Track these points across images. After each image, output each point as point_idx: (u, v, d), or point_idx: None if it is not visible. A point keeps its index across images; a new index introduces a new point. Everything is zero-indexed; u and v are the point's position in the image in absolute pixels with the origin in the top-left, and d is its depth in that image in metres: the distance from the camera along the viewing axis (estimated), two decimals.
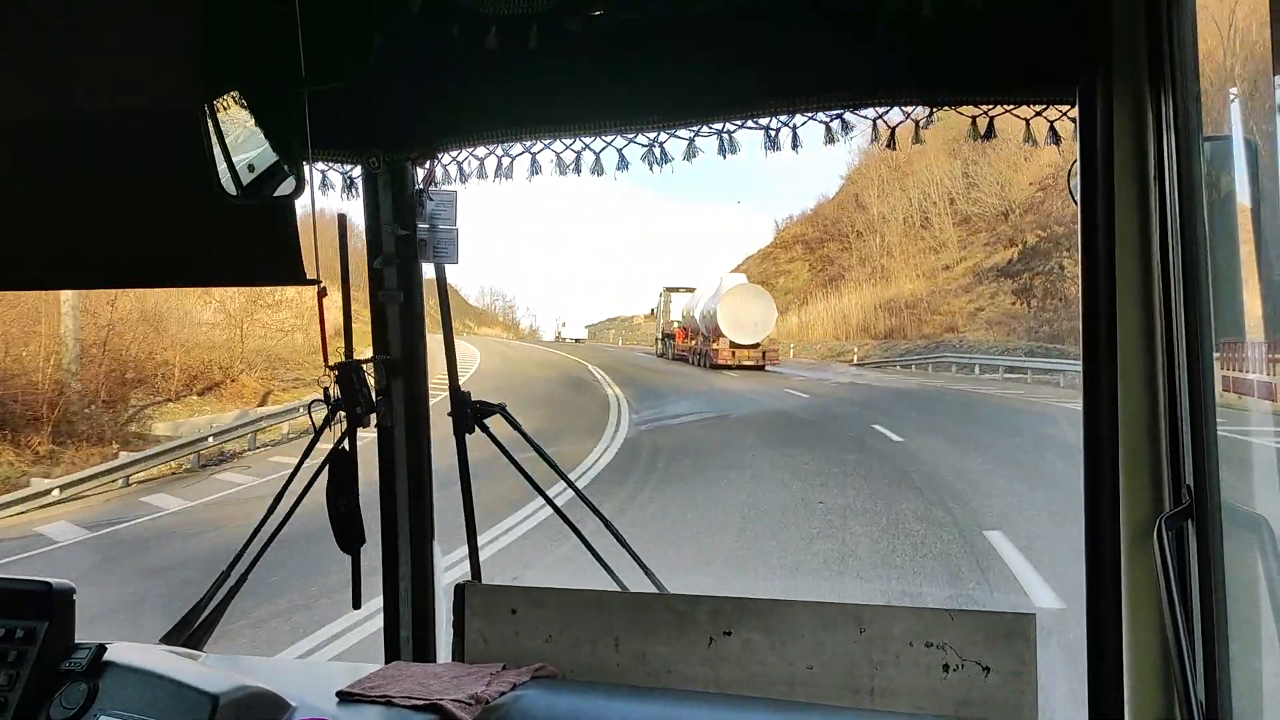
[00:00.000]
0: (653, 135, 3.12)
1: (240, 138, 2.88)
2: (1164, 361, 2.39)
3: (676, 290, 69.32)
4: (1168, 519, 2.26)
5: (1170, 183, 2.29)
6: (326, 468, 3.33)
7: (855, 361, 66.17)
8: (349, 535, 3.36)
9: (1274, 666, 2.27)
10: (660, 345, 73.29)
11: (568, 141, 3.25)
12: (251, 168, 2.93)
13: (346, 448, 3.33)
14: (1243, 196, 2.39)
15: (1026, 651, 2.58)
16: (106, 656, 2.63)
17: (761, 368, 55.65)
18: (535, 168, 3.33)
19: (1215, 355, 2.27)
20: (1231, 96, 2.52)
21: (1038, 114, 2.78)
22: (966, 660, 2.61)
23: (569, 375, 50.05)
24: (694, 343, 61.88)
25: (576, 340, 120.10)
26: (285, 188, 2.90)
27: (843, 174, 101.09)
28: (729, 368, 54.90)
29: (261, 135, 2.93)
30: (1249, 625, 2.28)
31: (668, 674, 2.83)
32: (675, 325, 66.94)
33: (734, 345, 55.15)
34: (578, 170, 3.29)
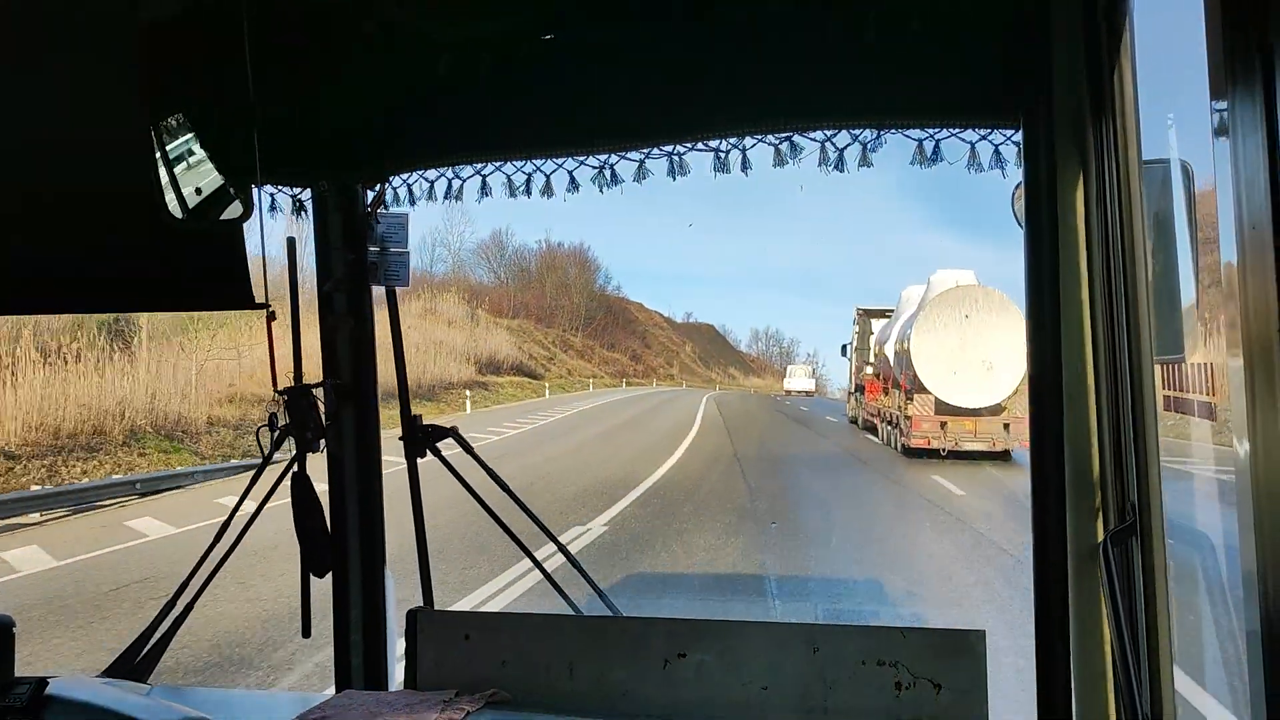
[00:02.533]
0: (603, 157, 3.13)
1: (187, 161, 2.86)
2: (1107, 381, 2.43)
3: (875, 314, 46.04)
4: (1113, 536, 2.30)
5: (1111, 205, 2.34)
6: (285, 493, 3.28)
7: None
8: (320, 558, 3.32)
9: (1217, 682, 2.32)
10: (852, 404, 49.17)
11: (519, 164, 3.26)
12: (199, 191, 2.91)
13: (296, 470, 3.28)
14: (1180, 219, 2.45)
15: (977, 668, 2.61)
16: (48, 691, 2.56)
17: (1006, 455, 29.79)
18: (485, 190, 3.33)
19: (1155, 375, 2.32)
20: (1169, 121, 2.58)
21: (983, 138, 2.83)
22: (918, 678, 2.63)
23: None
24: (886, 401, 36.73)
25: (805, 393, 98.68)
26: (233, 211, 2.87)
27: None
28: (935, 455, 30.04)
29: (208, 158, 2.90)
30: (1192, 639, 2.33)
31: (623, 698, 2.81)
32: (868, 371, 42.80)
33: (944, 410, 30.12)
34: (528, 192, 3.30)
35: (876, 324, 44.17)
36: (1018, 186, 2.76)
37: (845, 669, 2.67)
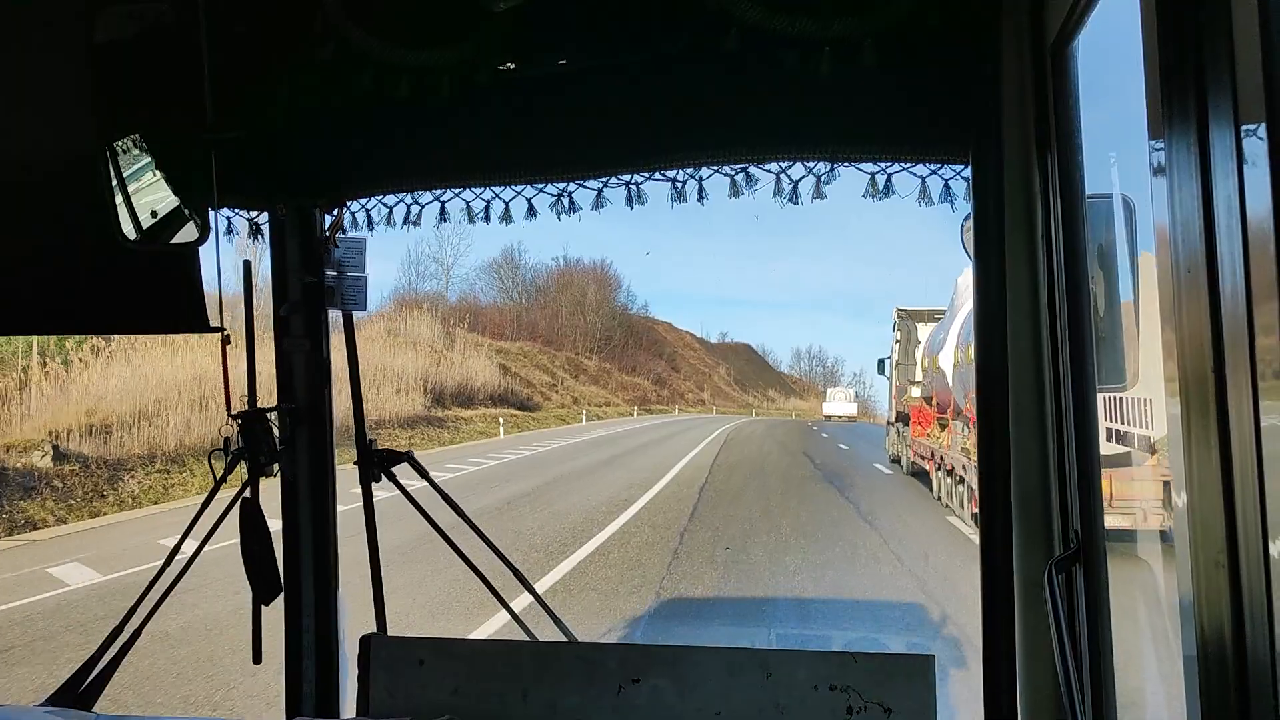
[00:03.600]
0: (561, 185, 3.16)
1: (143, 183, 2.84)
2: (1053, 412, 2.49)
3: (921, 316, 34.43)
4: (1057, 563, 2.35)
5: (1057, 239, 2.41)
6: (236, 519, 3.25)
7: None
8: (266, 584, 3.28)
9: (1158, 702, 2.38)
10: (892, 437, 37.38)
11: (477, 190, 3.28)
12: (154, 213, 2.89)
13: (250, 495, 3.26)
14: (1122, 253, 2.52)
15: (926, 692, 2.65)
16: None
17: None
18: (444, 216, 3.35)
19: (1099, 404, 2.38)
20: (1112, 159, 2.66)
21: (933, 172, 2.90)
22: (869, 702, 2.66)
23: None
24: (943, 438, 26.38)
25: (846, 418, 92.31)
26: (189, 234, 2.86)
27: None
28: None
29: (164, 181, 2.89)
30: (1133, 661, 2.39)
31: None
32: (914, 393, 31.77)
33: None
34: (486, 219, 3.32)
35: (924, 330, 32.63)
36: (966, 219, 2.83)
37: (797, 694, 2.70)
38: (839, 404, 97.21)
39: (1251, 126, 1.23)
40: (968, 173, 2.81)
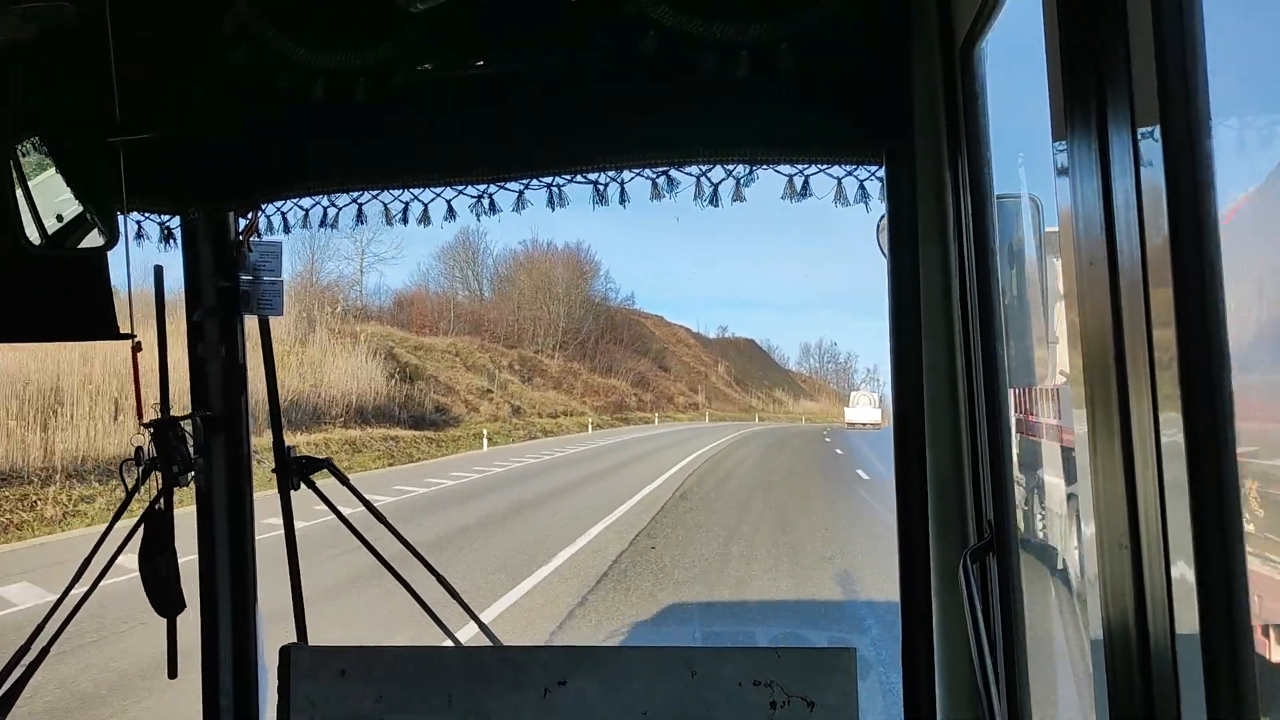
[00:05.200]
0: (482, 187, 3.15)
1: (48, 188, 2.76)
2: (966, 406, 2.56)
3: None
4: (972, 552, 2.41)
5: (968, 238, 2.47)
6: (140, 530, 3.17)
7: None
8: (168, 599, 3.20)
9: (1068, 684, 2.45)
10: None
11: (396, 192, 3.25)
12: (60, 218, 2.81)
13: (162, 507, 3.18)
14: (1030, 251, 2.60)
15: (848, 685, 2.70)
16: None
17: None
18: (362, 218, 3.31)
19: (1009, 398, 2.45)
20: (1020, 159, 2.75)
21: (849, 174, 2.95)
22: (792, 697, 2.70)
23: None
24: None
25: (872, 425, 79.96)
26: (97, 239, 2.78)
27: None
28: None
29: (70, 185, 2.81)
30: (1045, 647, 2.46)
31: None
32: None
33: None
34: (404, 221, 3.29)
35: None
36: (881, 219, 2.89)
37: (722, 691, 2.73)
38: (863, 410, 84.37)
39: (1148, 129, 1.29)
40: (882, 173, 2.88)
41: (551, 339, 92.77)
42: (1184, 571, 1.23)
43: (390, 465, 40.12)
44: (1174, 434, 1.25)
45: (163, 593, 3.18)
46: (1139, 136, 1.31)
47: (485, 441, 52.11)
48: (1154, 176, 1.26)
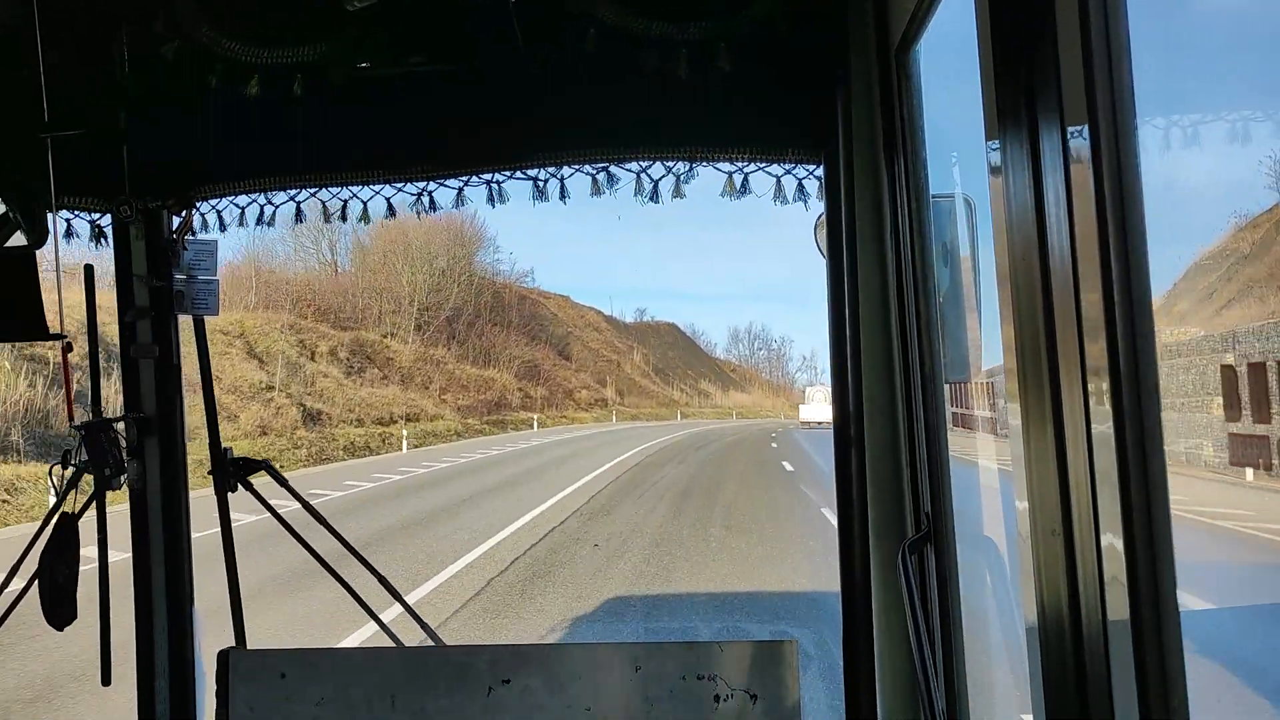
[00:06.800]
0: (421, 184, 3.14)
1: None
2: (903, 400, 2.61)
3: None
4: (910, 544, 2.46)
5: (904, 237, 2.52)
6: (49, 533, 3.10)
7: None
8: (61, 610, 3.13)
9: (1003, 672, 2.52)
10: None
11: (334, 190, 3.22)
12: None
13: (78, 510, 3.12)
14: (964, 248, 2.66)
15: (790, 676, 2.74)
16: None
17: None
18: (300, 216, 3.27)
19: (946, 393, 2.51)
20: (954, 159, 2.80)
21: (788, 172, 2.99)
22: (735, 690, 2.74)
23: None
24: None
25: (824, 424, 60.68)
26: (25, 238, 2.72)
27: None
28: None
29: None
30: (981, 636, 2.52)
31: None
32: None
33: None
34: (344, 218, 3.26)
35: None
36: (820, 217, 2.93)
37: (666, 685, 2.75)
38: (819, 406, 71.33)
39: (1077, 128, 1.33)
40: (820, 172, 2.92)
41: (408, 318, 71.05)
42: (1114, 557, 1.28)
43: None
44: (1104, 424, 1.29)
45: (55, 599, 3.11)
46: (1068, 135, 1.36)
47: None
48: (1083, 174, 1.30)
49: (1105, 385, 1.28)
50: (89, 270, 3.09)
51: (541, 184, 3.08)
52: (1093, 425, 1.32)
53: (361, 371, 59.54)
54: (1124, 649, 1.27)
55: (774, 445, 47.74)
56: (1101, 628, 1.33)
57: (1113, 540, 1.28)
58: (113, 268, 3.25)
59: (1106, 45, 1.29)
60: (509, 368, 78.81)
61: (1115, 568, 1.27)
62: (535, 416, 70.92)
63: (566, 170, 3.05)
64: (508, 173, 3.08)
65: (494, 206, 3.15)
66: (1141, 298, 1.25)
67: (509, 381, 76.32)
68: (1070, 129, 1.35)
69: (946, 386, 2.53)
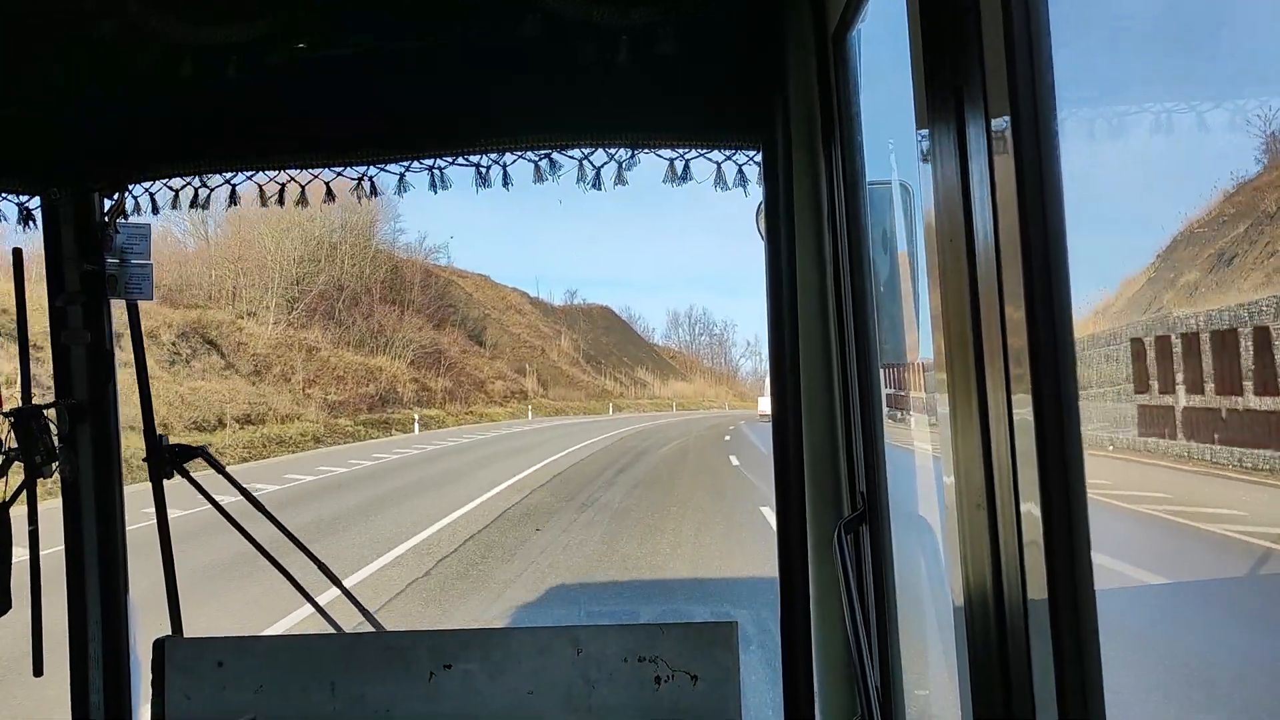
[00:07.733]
0: (362, 169, 3.11)
1: None
2: (840, 383, 2.66)
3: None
4: (845, 524, 2.51)
5: (841, 223, 2.56)
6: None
7: None
8: None
9: (936, 644, 2.58)
10: None
11: (272, 173, 3.18)
12: None
13: (8, 500, 3.06)
14: (902, 234, 2.71)
15: (730, 658, 2.78)
16: None
17: None
18: (234, 199, 3.23)
19: (881, 376, 2.56)
20: (890, 147, 2.85)
21: (728, 158, 3.02)
22: (676, 671, 2.77)
23: None
24: None
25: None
26: None
27: None
28: None
29: None
30: (916, 611, 2.58)
31: (386, 714, 2.80)
32: None
33: None
34: (280, 202, 3.23)
35: None
36: (760, 204, 2.96)
37: (607, 667, 2.78)
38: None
39: (1001, 118, 1.37)
40: (760, 158, 2.95)
41: (274, 295, 57.30)
42: (1033, 527, 1.33)
43: None
44: (1024, 408, 1.34)
45: None
46: (992, 125, 1.40)
47: None
48: (1006, 162, 1.35)
49: (1025, 368, 1.33)
50: (17, 253, 3.02)
51: (484, 170, 3.07)
52: (1013, 400, 1.38)
53: (190, 360, 46.40)
54: (1042, 614, 1.32)
55: (733, 461, 31.64)
56: (1021, 593, 1.38)
57: (1032, 514, 1.33)
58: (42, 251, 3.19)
59: (1028, 36, 1.33)
60: (402, 354, 65.82)
61: (1034, 534, 1.33)
62: (418, 416, 56.78)
63: (509, 157, 3.04)
64: (449, 158, 3.07)
65: (436, 193, 3.14)
66: (1061, 284, 1.30)
67: (401, 371, 63.63)
68: (995, 119, 1.40)
69: (883, 370, 2.58)
